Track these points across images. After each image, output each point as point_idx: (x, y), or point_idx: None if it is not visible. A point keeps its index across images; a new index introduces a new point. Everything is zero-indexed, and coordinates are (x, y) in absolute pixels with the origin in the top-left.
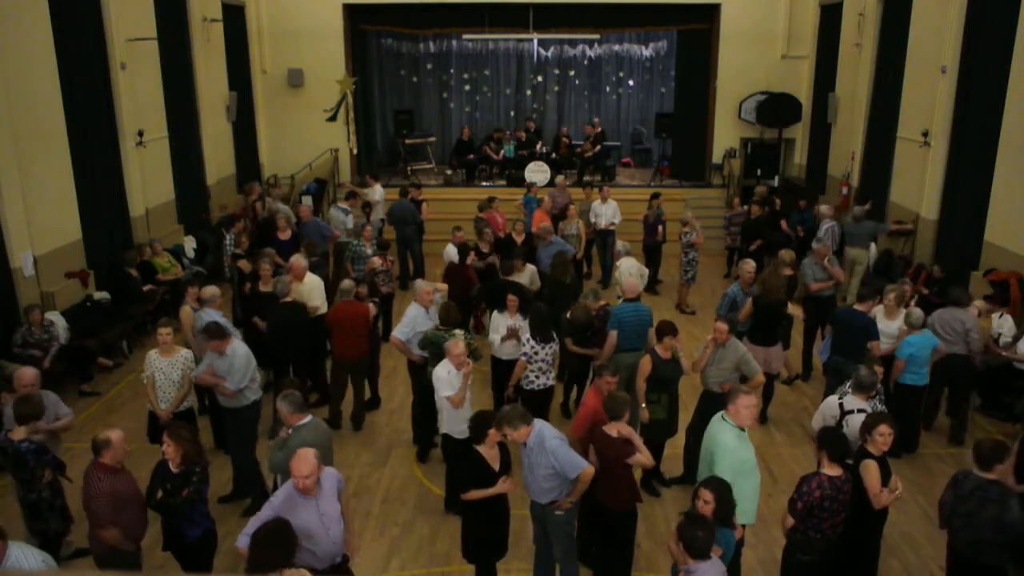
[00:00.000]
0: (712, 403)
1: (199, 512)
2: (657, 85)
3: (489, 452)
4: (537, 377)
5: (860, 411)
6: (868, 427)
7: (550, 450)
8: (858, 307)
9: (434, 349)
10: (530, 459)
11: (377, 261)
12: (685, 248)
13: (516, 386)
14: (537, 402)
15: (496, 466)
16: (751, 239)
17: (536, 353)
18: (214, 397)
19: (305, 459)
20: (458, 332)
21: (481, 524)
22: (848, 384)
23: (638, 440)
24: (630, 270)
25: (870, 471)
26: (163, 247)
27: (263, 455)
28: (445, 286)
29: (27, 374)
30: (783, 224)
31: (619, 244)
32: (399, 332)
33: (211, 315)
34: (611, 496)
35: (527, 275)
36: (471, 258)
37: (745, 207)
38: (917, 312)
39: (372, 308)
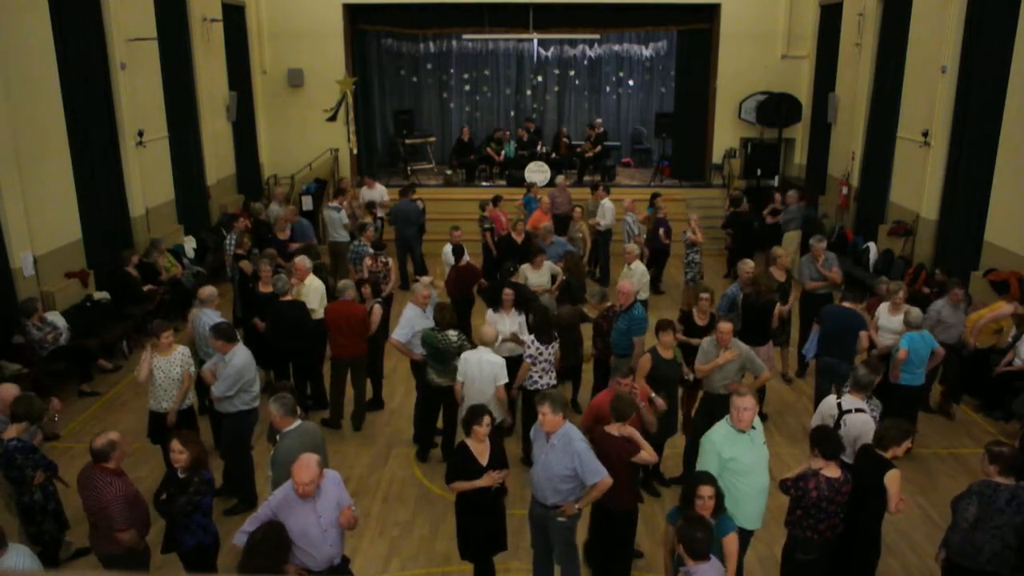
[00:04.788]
0: (714, 405)
1: (195, 523)
2: (657, 85)
3: (477, 446)
4: (540, 377)
5: (858, 410)
6: (898, 438)
7: (576, 451)
8: (847, 305)
9: (429, 350)
10: (548, 457)
11: (368, 261)
12: (686, 248)
13: (519, 387)
14: None
15: (484, 461)
16: (735, 233)
17: (540, 353)
18: None
19: (307, 466)
20: (452, 333)
21: (468, 519)
22: (847, 384)
23: (640, 438)
24: (645, 274)
25: (896, 482)
26: (164, 247)
27: (260, 462)
28: (440, 282)
29: (7, 391)
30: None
31: (634, 246)
32: (398, 334)
33: (210, 315)
34: (612, 496)
35: (546, 271)
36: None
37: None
38: (916, 311)
39: (378, 309)
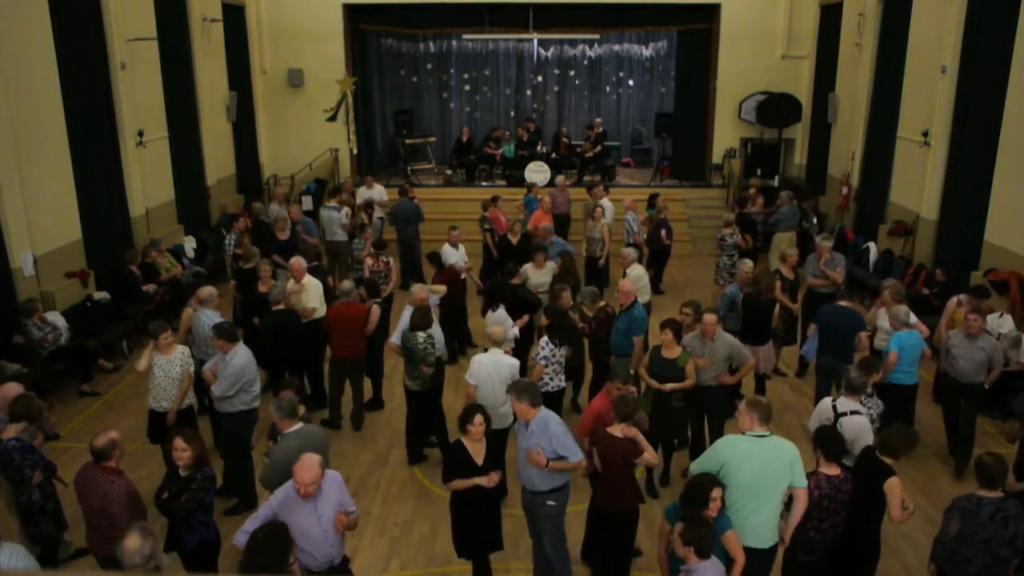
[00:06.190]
0: (704, 396)
1: (197, 520)
2: (657, 85)
3: (474, 446)
4: (551, 379)
5: (854, 413)
6: (906, 449)
7: (553, 434)
8: (842, 303)
9: (403, 351)
10: (528, 443)
11: (369, 261)
12: (729, 251)
13: None
14: (550, 404)
15: (479, 460)
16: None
17: (553, 355)
18: None
19: (309, 467)
20: (420, 335)
21: (464, 517)
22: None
23: (643, 440)
24: (642, 278)
25: (897, 490)
26: (164, 247)
27: (260, 462)
28: (443, 288)
29: (11, 390)
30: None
31: (631, 251)
32: (395, 337)
33: (210, 315)
34: (613, 497)
35: (548, 271)
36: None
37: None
38: (900, 308)
39: (376, 310)
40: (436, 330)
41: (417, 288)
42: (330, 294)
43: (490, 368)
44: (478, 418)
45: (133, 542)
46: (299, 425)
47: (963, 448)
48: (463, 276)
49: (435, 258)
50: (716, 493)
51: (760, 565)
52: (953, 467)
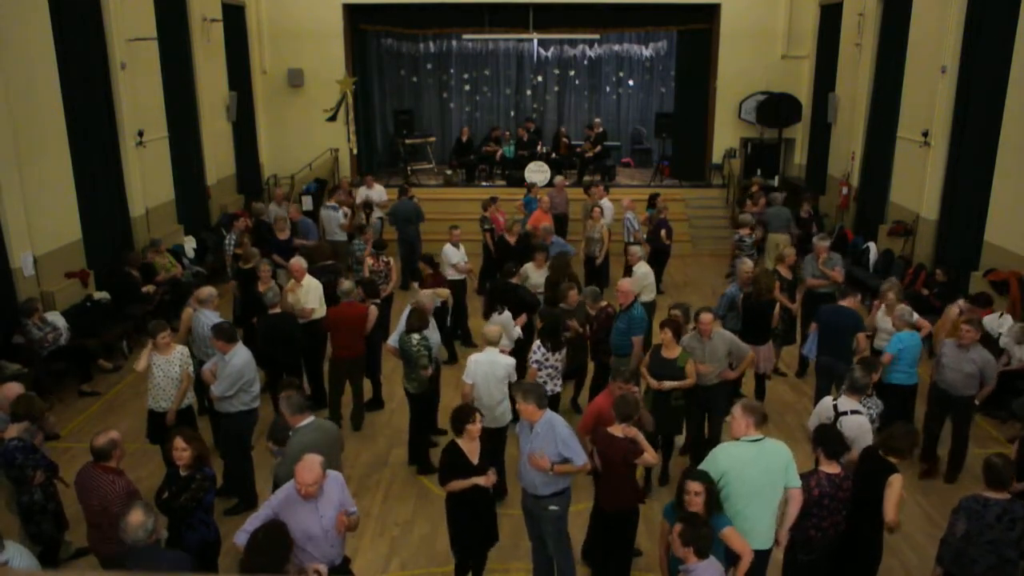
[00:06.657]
0: (706, 395)
1: (197, 520)
2: (657, 85)
3: (468, 446)
4: (545, 383)
5: (854, 412)
6: (910, 448)
7: (559, 437)
8: (842, 303)
9: (402, 355)
10: (533, 446)
11: (369, 261)
12: (748, 251)
13: None
14: None
15: (475, 460)
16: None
17: (546, 359)
18: None
19: (310, 468)
20: (414, 337)
21: (462, 517)
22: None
23: (643, 440)
24: (648, 276)
25: (897, 486)
26: (164, 247)
27: (260, 462)
28: (446, 291)
29: (12, 390)
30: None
31: (637, 248)
32: (393, 340)
33: (209, 315)
34: (612, 497)
35: (547, 272)
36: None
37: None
38: (903, 308)
39: (373, 310)
40: (432, 332)
41: (423, 295)
42: (332, 294)
43: (486, 367)
44: (477, 416)
45: (136, 517)
46: (310, 419)
47: (955, 459)
48: (461, 277)
49: (429, 259)
50: (691, 487)
51: (759, 567)
52: (945, 470)
